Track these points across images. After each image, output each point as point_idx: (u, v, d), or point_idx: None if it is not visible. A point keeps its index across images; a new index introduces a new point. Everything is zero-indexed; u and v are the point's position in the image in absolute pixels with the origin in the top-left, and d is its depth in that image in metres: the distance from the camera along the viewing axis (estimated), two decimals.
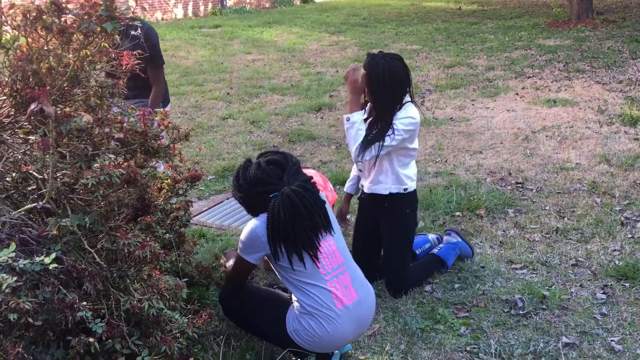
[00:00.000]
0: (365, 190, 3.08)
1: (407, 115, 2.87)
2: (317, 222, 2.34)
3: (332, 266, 2.39)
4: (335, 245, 2.43)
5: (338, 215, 3.29)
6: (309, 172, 2.69)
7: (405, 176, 2.98)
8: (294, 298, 2.42)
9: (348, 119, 2.85)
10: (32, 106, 1.55)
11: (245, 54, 10.14)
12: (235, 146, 5.52)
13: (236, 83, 8.02)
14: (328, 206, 2.47)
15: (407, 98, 2.93)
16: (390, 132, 2.83)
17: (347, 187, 3.33)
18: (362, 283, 2.49)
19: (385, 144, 2.82)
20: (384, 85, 2.81)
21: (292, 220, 2.27)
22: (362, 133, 2.84)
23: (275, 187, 2.32)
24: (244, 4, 17.42)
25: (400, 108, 2.88)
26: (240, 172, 2.42)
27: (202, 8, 16.38)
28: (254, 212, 2.43)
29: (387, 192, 2.98)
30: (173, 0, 15.66)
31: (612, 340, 2.61)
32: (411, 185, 3.01)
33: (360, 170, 3.12)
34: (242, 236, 2.39)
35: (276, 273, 2.48)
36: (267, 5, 18.23)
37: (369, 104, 3.02)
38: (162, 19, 15.28)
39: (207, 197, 4.50)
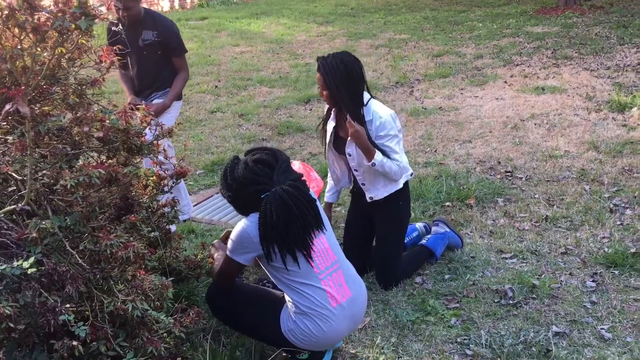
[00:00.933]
0: (368, 200, 3.03)
1: (380, 118, 2.81)
2: (309, 221, 2.31)
3: (326, 264, 2.37)
4: (327, 243, 2.41)
5: None
6: (294, 163, 2.67)
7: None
8: (287, 298, 2.39)
9: (374, 164, 2.81)
10: (7, 107, 1.51)
11: (232, 46, 10.06)
12: (224, 140, 5.48)
13: (224, 76, 7.96)
14: (318, 203, 2.45)
15: (367, 95, 2.88)
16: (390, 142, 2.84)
17: (327, 197, 3.29)
18: (354, 279, 2.47)
19: (398, 157, 2.85)
20: (342, 79, 2.77)
21: (284, 220, 2.23)
22: (390, 162, 2.83)
23: (265, 187, 2.28)
24: None
25: (365, 105, 2.84)
26: (228, 170, 2.37)
27: (188, 0, 16.23)
28: (243, 211, 2.39)
29: (387, 194, 2.97)
30: None
31: (601, 329, 2.62)
32: (408, 177, 3.02)
33: (363, 184, 3.02)
34: (232, 236, 2.35)
35: (267, 274, 2.45)
36: None
37: (332, 110, 3.00)
38: None
39: (196, 192, 4.47)
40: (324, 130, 3.08)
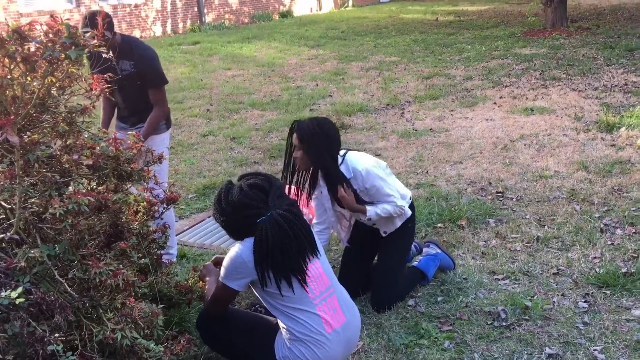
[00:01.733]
0: (383, 235, 3.11)
1: (361, 172, 2.86)
2: (304, 246, 2.30)
3: (320, 289, 2.36)
4: (321, 268, 2.40)
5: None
6: (285, 187, 2.68)
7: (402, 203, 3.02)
8: (281, 325, 2.37)
9: (370, 218, 2.95)
10: None
11: (224, 70, 10.13)
12: (215, 163, 5.49)
13: (216, 99, 8.00)
14: (312, 228, 2.45)
15: (341, 152, 2.93)
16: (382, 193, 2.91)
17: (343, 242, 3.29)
18: (348, 304, 2.46)
19: (391, 204, 2.92)
20: (319, 136, 2.81)
21: (280, 245, 2.22)
22: (382, 207, 2.92)
23: (260, 212, 2.26)
24: (222, 20, 17.44)
25: (342, 163, 2.89)
26: (222, 195, 2.34)
27: (180, 25, 16.37)
28: (237, 235, 2.37)
29: (401, 223, 3.07)
30: (151, 17, 15.63)
31: (594, 350, 2.61)
32: (408, 202, 3.07)
33: (374, 224, 3.11)
34: (226, 262, 2.32)
35: (261, 300, 2.43)
36: (246, 20, 18.28)
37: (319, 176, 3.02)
38: (141, 37, 15.23)
39: (188, 216, 4.46)
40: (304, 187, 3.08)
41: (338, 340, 2.34)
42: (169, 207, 2.63)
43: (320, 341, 2.29)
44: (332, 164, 2.88)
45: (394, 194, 2.94)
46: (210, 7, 17.23)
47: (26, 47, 1.63)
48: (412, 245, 3.42)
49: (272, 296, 2.32)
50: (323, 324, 2.31)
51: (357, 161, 2.90)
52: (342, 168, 2.89)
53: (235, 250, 2.30)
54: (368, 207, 2.92)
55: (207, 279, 2.68)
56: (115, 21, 15.02)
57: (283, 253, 2.23)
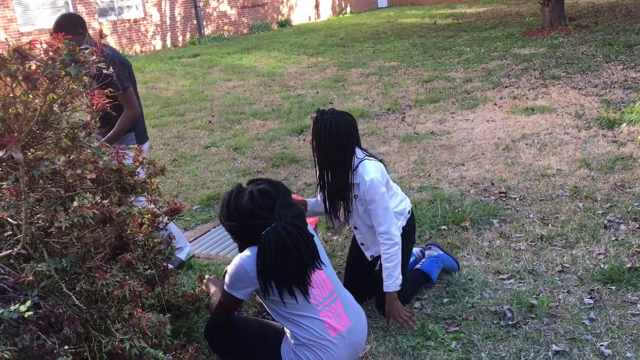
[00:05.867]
0: (369, 259, 3.08)
1: (365, 183, 2.77)
2: (306, 259, 2.30)
3: (324, 295, 2.37)
4: (325, 274, 2.42)
5: None
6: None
7: (397, 218, 2.97)
8: (286, 330, 2.39)
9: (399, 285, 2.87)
10: (0, 154, 1.55)
11: (225, 81, 10.20)
12: (219, 174, 5.52)
13: (217, 111, 8.05)
14: (317, 238, 2.47)
15: (360, 154, 2.85)
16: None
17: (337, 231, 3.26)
18: (353, 308, 2.47)
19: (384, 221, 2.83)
20: (327, 144, 2.76)
21: (282, 259, 2.23)
22: (392, 259, 2.84)
23: (265, 222, 2.26)
24: (222, 31, 17.55)
25: (355, 168, 2.81)
26: (231, 198, 2.35)
27: (180, 38, 16.48)
28: (241, 241, 2.39)
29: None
30: (151, 32, 15.74)
31: (601, 345, 2.62)
32: (404, 217, 3.02)
33: (362, 244, 3.09)
34: (230, 271, 2.33)
35: (266, 307, 2.45)
36: (245, 31, 18.38)
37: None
38: (141, 52, 15.35)
39: (193, 228, 4.48)
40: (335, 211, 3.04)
41: (344, 344, 2.35)
42: (173, 218, 2.66)
43: (325, 345, 2.31)
44: (336, 168, 2.82)
45: (387, 217, 2.83)
46: (209, 20, 17.35)
47: (27, 65, 1.66)
48: (420, 251, 3.43)
49: (275, 304, 2.34)
50: (327, 328, 2.32)
51: (367, 170, 2.80)
52: (355, 173, 2.84)
53: (238, 260, 2.32)
54: (389, 284, 2.85)
55: (212, 290, 2.70)
56: (115, 37, 14.85)
57: (285, 266, 2.24)
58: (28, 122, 1.73)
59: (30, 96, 1.72)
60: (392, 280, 2.83)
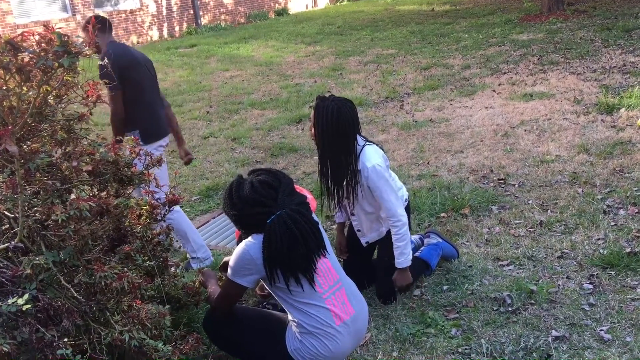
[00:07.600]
0: (364, 245, 3.13)
1: (366, 169, 2.79)
2: (312, 247, 2.31)
3: (329, 284, 2.38)
4: (330, 262, 2.42)
5: (337, 248, 3.27)
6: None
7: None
8: (291, 318, 2.39)
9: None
10: None
11: (222, 71, 10.15)
12: (217, 165, 5.51)
13: (215, 101, 8.02)
14: (321, 227, 2.46)
15: (361, 141, 2.85)
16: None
17: (337, 217, 3.30)
18: (356, 297, 2.49)
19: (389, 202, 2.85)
20: (329, 132, 2.76)
21: (288, 247, 2.23)
22: (402, 241, 2.90)
23: (270, 210, 2.26)
24: (218, 21, 17.45)
25: (358, 154, 2.82)
26: (233, 189, 2.35)
27: (177, 28, 16.39)
28: (246, 230, 2.38)
29: (382, 236, 3.07)
30: (147, 22, 15.65)
31: (601, 330, 2.62)
32: (404, 204, 3.03)
33: (358, 230, 3.12)
34: (234, 259, 2.33)
35: (272, 295, 2.45)
36: (242, 20, 18.28)
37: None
38: (138, 42, 15.27)
39: (192, 219, 4.48)
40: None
41: (348, 332, 2.37)
42: (171, 209, 2.65)
43: (331, 334, 2.32)
44: (333, 150, 2.81)
45: (391, 197, 2.84)
46: (206, 9, 17.25)
47: (20, 57, 1.65)
48: (418, 238, 3.43)
49: (282, 291, 2.34)
50: (333, 317, 2.33)
51: (368, 156, 2.81)
52: (357, 160, 2.83)
53: (242, 246, 2.31)
54: (400, 260, 2.92)
55: (208, 282, 2.70)
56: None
57: (291, 254, 2.25)
58: (22, 115, 1.72)
59: (24, 88, 1.71)
60: (404, 257, 2.92)
